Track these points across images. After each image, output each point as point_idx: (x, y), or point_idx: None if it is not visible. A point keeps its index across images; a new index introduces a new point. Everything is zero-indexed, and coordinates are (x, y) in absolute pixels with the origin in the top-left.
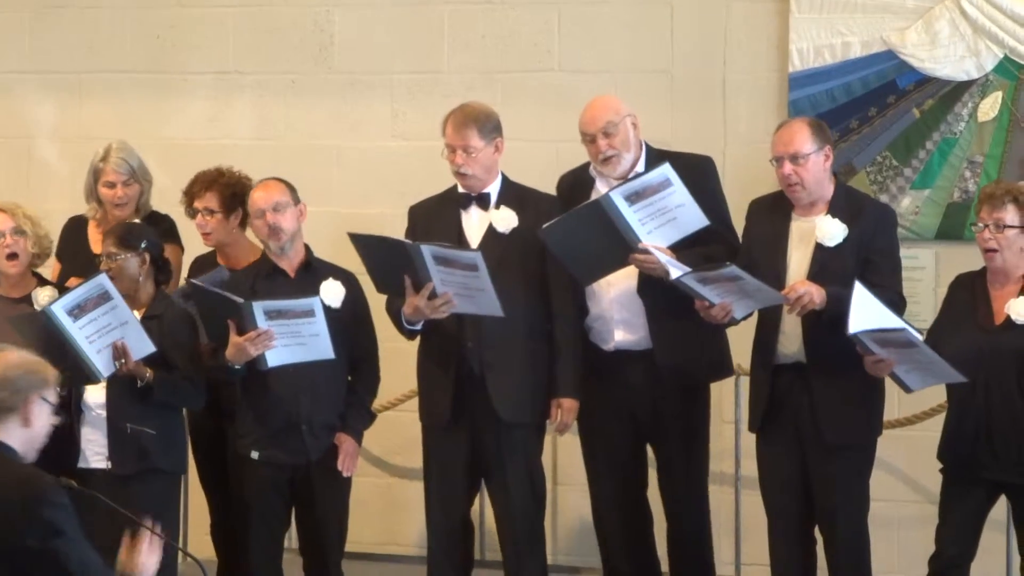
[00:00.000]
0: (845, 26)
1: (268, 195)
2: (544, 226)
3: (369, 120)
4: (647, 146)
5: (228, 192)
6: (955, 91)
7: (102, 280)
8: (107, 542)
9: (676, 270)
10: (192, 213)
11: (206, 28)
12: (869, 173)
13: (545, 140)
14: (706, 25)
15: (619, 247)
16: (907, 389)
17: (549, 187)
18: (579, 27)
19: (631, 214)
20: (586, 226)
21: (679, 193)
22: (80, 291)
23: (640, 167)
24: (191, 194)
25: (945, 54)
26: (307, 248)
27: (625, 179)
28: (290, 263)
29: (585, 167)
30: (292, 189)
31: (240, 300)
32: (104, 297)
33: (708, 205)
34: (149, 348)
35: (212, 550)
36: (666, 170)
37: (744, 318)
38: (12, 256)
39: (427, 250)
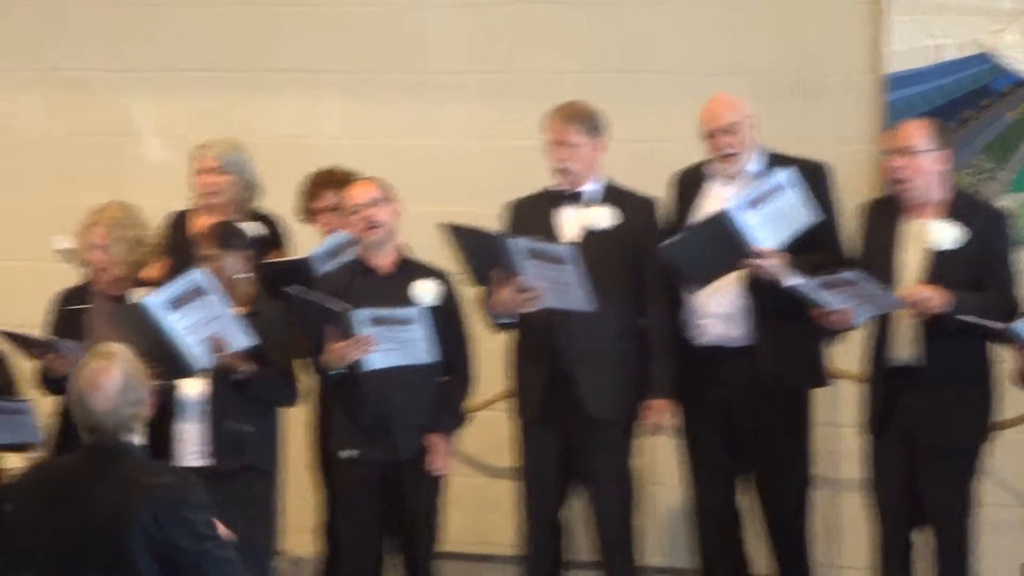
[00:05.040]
0: (939, 28)
1: (365, 191)
2: (662, 244)
3: (456, 119)
4: (763, 148)
5: None
6: None
7: (196, 275)
8: None
9: (793, 278)
10: (311, 213)
11: (293, 26)
12: (965, 176)
13: (629, 140)
14: (798, 27)
15: (733, 253)
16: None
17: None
18: (669, 28)
19: (747, 222)
20: (703, 240)
21: (792, 194)
22: (175, 285)
23: (753, 167)
24: (312, 195)
25: None
26: (402, 247)
27: (736, 177)
28: (384, 262)
29: (700, 165)
30: (388, 187)
31: (339, 308)
32: (199, 291)
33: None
34: (246, 341)
35: (310, 548)
36: (782, 176)
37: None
38: (101, 270)
39: (520, 243)
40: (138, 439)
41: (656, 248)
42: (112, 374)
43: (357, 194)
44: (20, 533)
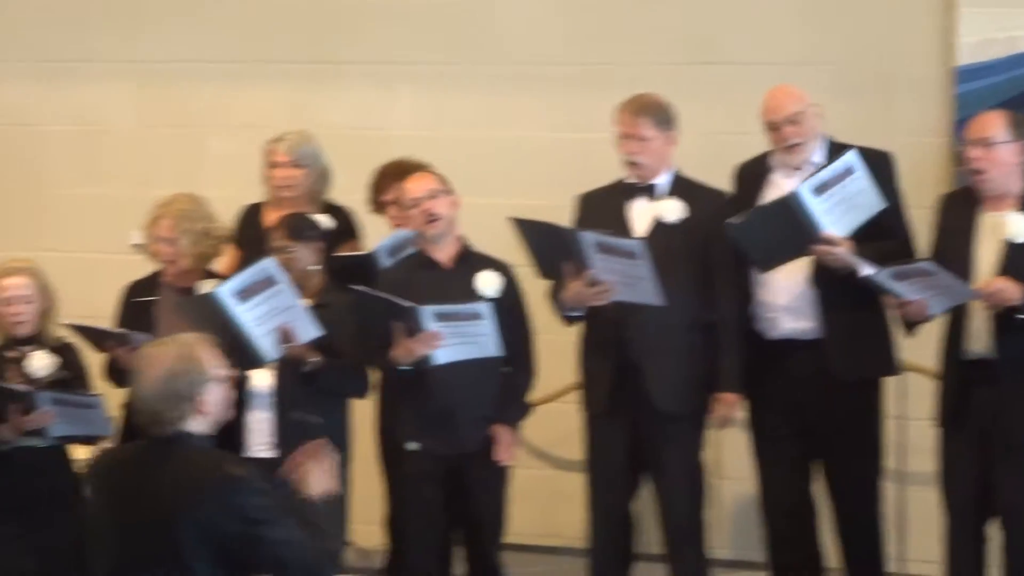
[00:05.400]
0: (1011, 20)
1: (422, 183)
2: (730, 221)
3: (529, 111)
4: (826, 137)
5: None
6: None
7: (267, 265)
8: None
9: (868, 267)
10: (380, 205)
11: (366, 18)
12: None
13: (705, 133)
14: (869, 19)
15: (801, 237)
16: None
17: (701, 178)
18: (742, 20)
19: (816, 206)
20: (772, 220)
21: (860, 179)
22: (246, 275)
23: (819, 157)
24: (380, 187)
25: None
26: (463, 239)
27: (800, 168)
28: (446, 254)
29: (763, 156)
30: (444, 179)
31: (407, 304)
32: (270, 281)
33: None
34: (315, 332)
35: (377, 540)
36: (850, 158)
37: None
38: (169, 262)
39: (589, 237)
40: (199, 428)
41: (724, 232)
42: (161, 363)
43: (414, 187)
44: (93, 522)
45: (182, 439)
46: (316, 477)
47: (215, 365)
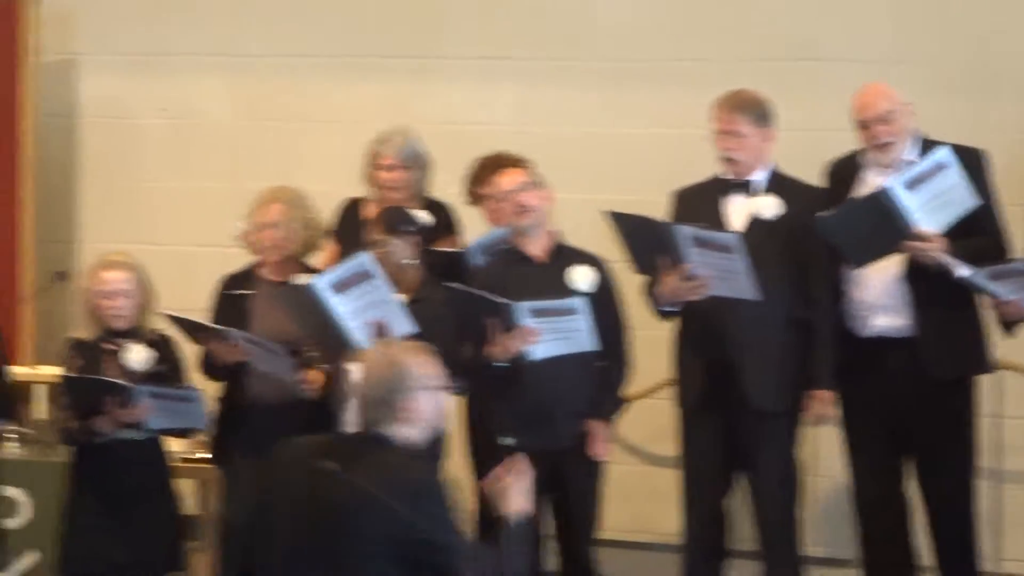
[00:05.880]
0: None
1: (514, 177)
2: (820, 215)
3: (626, 107)
4: (917, 134)
5: None
6: None
7: (364, 259)
8: None
9: (964, 269)
10: (476, 198)
11: (466, 13)
12: None
13: (802, 129)
14: (968, 16)
15: (894, 233)
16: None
17: (793, 175)
18: (839, 17)
19: (908, 201)
20: (863, 216)
21: (953, 174)
22: (342, 268)
23: (911, 155)
24: (477, 180)
25: None
26: (556, 234)
27: (891, 166)
28: (539, 249)
29: (854, 154)
30: (537, 173)
31: (502, 301)
32: (365, 275)
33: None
34: (409, 327)
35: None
36: (943, 154)
37: None
38: (273, 249)
39: (685, 230)
40: (404, 434)
41: (816, 226)
42: (369, 365)
43: (506, 181)
44: (261, 509)
45: (377, 440)
46: (514, 496)
47: (427, 375)
